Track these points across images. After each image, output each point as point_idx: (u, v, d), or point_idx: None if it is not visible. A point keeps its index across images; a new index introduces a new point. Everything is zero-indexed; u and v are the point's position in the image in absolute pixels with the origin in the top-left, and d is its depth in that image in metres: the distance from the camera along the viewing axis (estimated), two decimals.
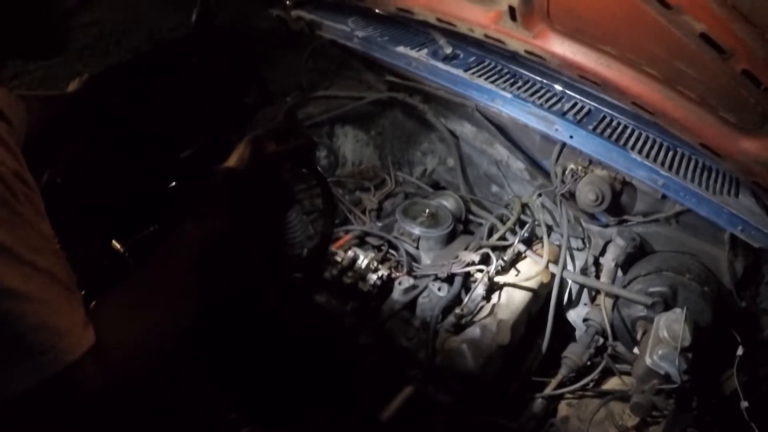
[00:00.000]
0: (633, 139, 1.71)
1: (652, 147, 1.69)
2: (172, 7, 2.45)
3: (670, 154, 1.68)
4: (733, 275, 1.70)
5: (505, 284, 1.73)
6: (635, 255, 1.76)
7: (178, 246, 0.93)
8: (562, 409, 1.65)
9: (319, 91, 2.29)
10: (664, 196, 1.68)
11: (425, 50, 1.98)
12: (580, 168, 1.77)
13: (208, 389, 1.43)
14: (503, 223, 1.90)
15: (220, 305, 1.04)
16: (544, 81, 1.89)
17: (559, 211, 1.88)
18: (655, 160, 1.63)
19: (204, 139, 1.77)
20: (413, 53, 1.96)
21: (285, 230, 1.66)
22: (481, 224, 1.96)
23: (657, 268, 1.67)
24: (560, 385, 1.65)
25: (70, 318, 0.72)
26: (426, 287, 1.67)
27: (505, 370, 1.67)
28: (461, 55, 1.99)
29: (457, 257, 1.73)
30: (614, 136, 1.69)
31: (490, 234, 1.87)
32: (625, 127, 1.76)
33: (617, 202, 1.77)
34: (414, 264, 1.78)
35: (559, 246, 1.81)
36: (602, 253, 1.82)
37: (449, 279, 1.70)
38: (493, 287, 1.70)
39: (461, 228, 1.98)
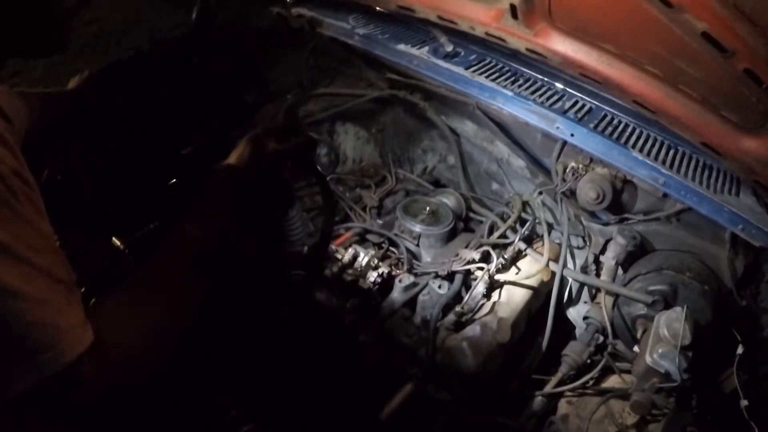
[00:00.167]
0: (634, 137, 1.70)
1: (653, 145, 1.68)
2: (172, 5, 2.45)
3: (671, 152, 1.68)
4: (734, 274, 1.70)
5: (506, 282, 1.73)
6: (636, 253, 1.76)
7: (177, 245, 0.93)
8: (562, 407, 1.66)
9: (320, 89, 2.29)
10: (664, 195, 1.67)
11: (426, 48, 1.97)
12: (581, 166, 1.77)
13: (208, 388, 1.43)
14: (504, 221, 1.90)
15: (220, 304, 1.04)
16: (545, 79, 1.89)
17: (560, 209, 1.88)
18: (656, 158, 1.63)
19: (204, 138, 1.77)
20: (414, 51, 1.96)
21: (285, 228, 1.66)
22: (481, 222, 1.96)
23: (657, 267, 1.67)
24: (560, 383, 1.66)
25: (69, 317, 0.72)
26: (426, 285, 1.68)
27: (506, 368, 1.67)
28: (462, 53, 1.98)
29: (457, 255, 1.73)
30: (615, 135, 1.69)
31: (490, 232, 1.87)
32: (626, 126, 1.75)
33: (618, 200, 1.77)
34: (414, 262, 1.78)
35: (560, 244, 1.81)
36: (603, 251, 1.82)
37: (450, 277, 1.70)
38: (493, 285, 1.70)
39: (462, 226, 1.98)
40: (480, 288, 1.65)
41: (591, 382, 1.64)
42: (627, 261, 1.76)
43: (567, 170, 1.79)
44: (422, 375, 1.54)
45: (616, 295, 1.70)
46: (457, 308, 1.60)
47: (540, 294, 1.79)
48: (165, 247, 0.92)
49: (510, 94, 1.78)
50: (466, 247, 1.78)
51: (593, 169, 1.76)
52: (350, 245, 1.75)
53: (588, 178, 1.73)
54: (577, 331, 1.82)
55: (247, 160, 1.00)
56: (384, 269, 1.68)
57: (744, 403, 1.43)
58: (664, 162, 1.63)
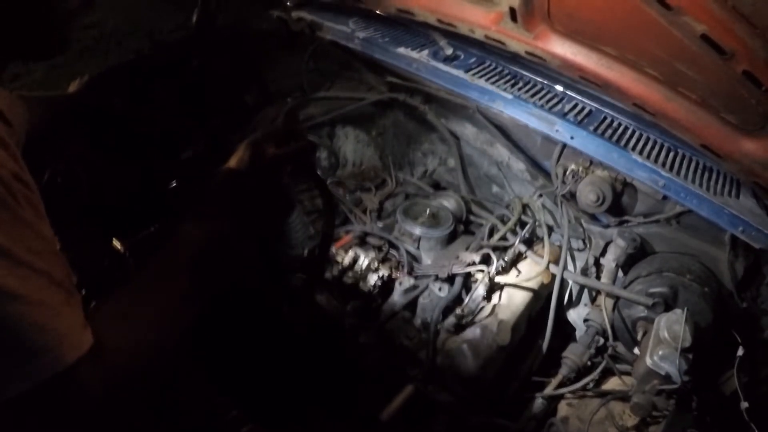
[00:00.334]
0: (634, 140, 1.71)
1: (652, 148, 1.69)
2: (172, 8, 2.45)
3: (671, 154, 1.68)
4: (734, 276, 1.70)
5: (506, 285, 1.73)
6: (636, 256, 1.76)
7: (177, 249, 0.93)
8: (562, 409, 1.65)
9: (320, 92, 2.29)
10: (664, 197, 1.68)
11: (426, 51, 1.98)
12: (580, 169, 1.77)
13: (208, 389, 1.43)
14: (504, 223, 1.90)
15: (220, 306, 1.04)
16: (545, 82, 1.89)
17: (560, 211, 1.88)
18: (655, 161, 1.63)
19: (204, 140, 1.77)
20: (414, 54, 1.96)
21: (286, 231, 1.66)
22: (481, 225, 1.96)
23: (658, 269, 1.67)
24: (560, 385, 1.65)
25: (68, 320, 0.72)
26: (427, 287, 1.68)
27: (506, 370, 1.67)
28: (462, 56, 1.99)
29: (457, 257, 1.73)
30: (615, 137, 1.69)
31: (490, 234, 1.87)
32: (626, 128, 1.75)
33: (618, 202, 1.77)
34: (415, 264, 1.78)
35: (560, 246, 1.81)
36: (603, 253, 1.82)
37: (450, 279, 1.70)
38: (493, 287, 1.70)
39: (462, 228, 1.98)
40: (480, 290, 1.65)
41: (591, 384, 1.64)
42: (627, 263, 1.76)
43: (567, 173, 1.80)
44: (422, 377, 1.54)
45: (617, 298, 1.70)
46: (458, 310, 1.60)
47: (540, 296, 1.79)
48: (164, 250, 0.92)
49: (510, 97, 1.78)
50: (467, 249, 1.78)
51: (593, 171, 1.76)
52: (350, 248, 1.76)
53: (588, 181, 1.73)
54: (578, 333, 1.82)
55: (246, 164, 1.00)
56: (384, 272, 1.68)
57: (744, 405, 1.43)
58: (663, 164, 1.63)
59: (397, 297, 1.66)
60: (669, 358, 1.39)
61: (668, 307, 1.57)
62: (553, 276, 1.75)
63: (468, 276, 1.71)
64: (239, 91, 2.14)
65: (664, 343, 1.43)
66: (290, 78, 2.30)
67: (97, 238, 1.53)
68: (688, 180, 1.60)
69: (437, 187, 2.27)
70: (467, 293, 1.67)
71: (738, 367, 1.50)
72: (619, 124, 1.76)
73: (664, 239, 1.78)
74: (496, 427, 1.57)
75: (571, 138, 1.69)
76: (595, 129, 1.70)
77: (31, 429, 0.71)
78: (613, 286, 1.71)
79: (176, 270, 0.90)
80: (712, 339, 1.57)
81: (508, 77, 1.91)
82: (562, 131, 1.70)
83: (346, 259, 1.70)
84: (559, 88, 1.87)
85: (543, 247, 1.80)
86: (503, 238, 1.83)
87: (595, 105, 1.81)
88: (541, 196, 1.96)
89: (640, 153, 1.64)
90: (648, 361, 1.41)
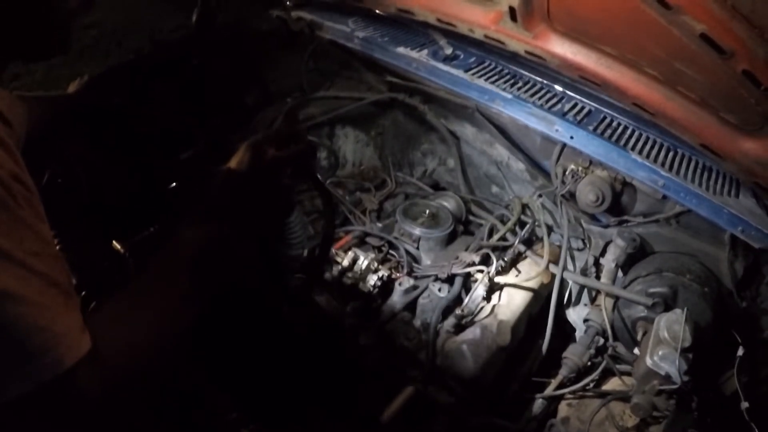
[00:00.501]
0: (633, 139, 1.71)
1: (652, 148, 1.69)
2: (172, 8, 2.45)
3: (671, 154, 1.68)
4: (734, 276, 1.70)
5: (506, 285, 1.73)
6: (635, 255, 1.76)
7: (176, 250, 0.93)
8: (563, 409, 1.65)
9: (320, 92, 2.29)
10: (664, 197, 1.68)
11: (425, 51, 1.98)
12: (580, 168, 1.77)
13: (208, 389, 1.43)
14: (503, 223, 1.90)
15: (220, 306, 1.04)
16: (545, 81, 1.89)
17: (560, 211, 1.88)
18: (655, 160, 1.63)
19: (204, 140, 1.77)
20: (413, 54, 1.96)
21: (285, 231, 1.66)
22: (481, 225, 1.96)
23: (657, 269, 1.67)
24: (560, 386, 1.65)
25: (66, 322, 0.72)
26: (426, 288, 1.68)
27: (506, 371, 1.67)
28: (461, 56, 1.99)
29: (457, 258, 1.73)
30: (614, 137, 1.69)
31: (490, 234, 1.87)
32: (626, 128, 1.76)
33: (617, 202, 1.77)
34: (414, 264, 1.78)
35: (560, 246, 1.81)
36: (602, 253, 1.82)
37: (449, 279, 1.70)
38: (493, 288, 1.70)
39: (461, 229, 1.97)
40: (480, 291, 1.65)
41: (591, 385, 1.64)
42: (627, 263, 1.76)
43: (566, 173, 1.80)
44: (422, 377, 1.54)
45: (616, 298, 1.70)
46: (457, 311, 1.60)
47: (540, 296, 1.79)
48: (163, 252, 0.92)
49: (509, 96, 1.79)
50: (466, 249, 1.78)
51: (593, 171, 1.76)
52: (350, 248, 1.75)
53: (587, 181, 1.73)
54: (578, 334, 1.82)
55: (246, 165, 1.00)
56: (384, 272, 1.68)
57: (744, 405, 1.43)
58: (663, 164, 1.63)
59: (397, 297, 1.66)
60: (669, 358, 1.39)
61: (668, 307, 1.57)
62: (553, 276, 1.75)
63: (468, 276, 1.71)
64: (239, 91, 2.14)
65: (664, 343, 1.43)
66: (290, 77, 2.30)
67: (96, 238, 1.53)
68: (687, 180, 1.60)
69: (437, 187, 2.27)
70: (467, 294, 1.67)
71: (738, 367, 1.50)
72: (619, 124, 1.77)
73: (664, 239, 1.78)
74: (497, 427, 1.57)
75: (571, 138, 1.69)
76: (595, 129, 1.70)
77: (30, 430, 0.71)
78: (612, 286, 1.71)
79: (176, 271, 0.90)
80: (712, 339, 1.57)
81: (508, 77, 1.91)
82: (561, 131, 1.70)
83: (346, 260, 1.69)
84: (558, 87, 1.88)
85: (542, 247, 1.80)
86: (503, 238, 1.83)
87: (595, 105, 1.81)
88: (540, 196, 1.96)
89: (640, 153, 1.65)
90: (648, 361, 1.41)
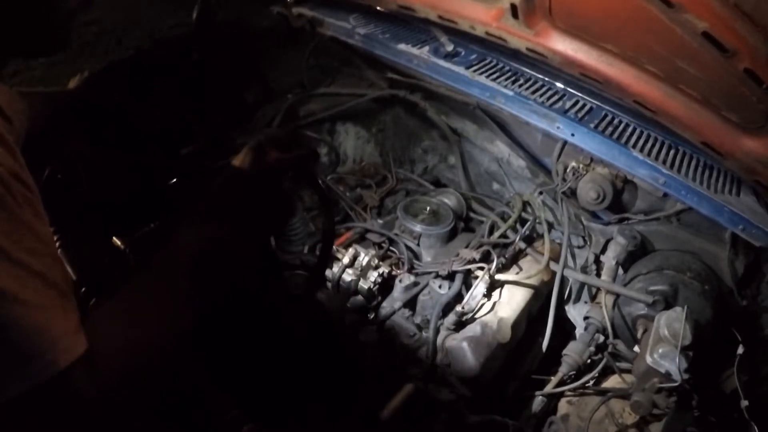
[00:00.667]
0: (634, 137, 1.70)
1: (653, 145, 1.68)
2: (172, 5, 2.45)
3: (672, 152, 1.68)
4: (734, 274, 1.70)
5: (506, 282, 1.73)
6: (636, 253, 1.76)
7: (176, 250, 0.92)
8: (563, 407, 1.66)
9: (321, 89, 2.29)
10: (665, 195, 1.67)
11: (426, 48, 1.97)
12: (581, 166, 1.77)
13: (208, 388, 1.42)
14: (504, 220, 1.90)
15: (220, 305, 1.04)
16: (546, 79, 1.89)
17: (561, 209, 1.88)
18: (656, 158, 1.63)
19: (204, 137, 1.77)
20: (414, 50, 1.96)
21: (286, 229, 1.66)
22: (482, 222, 1.96)
23: (658, 267, 1.67)
24: (561, 383, 1.65)
25: (62, 323, 0.71)
26: (427, 285, 1.68)
27: (506, 368, 1.67)
28: (462, 53, 1.98)
29: (458, 255, 1.73)
30: (616, 135, 1.69)
31: (491, 232, 1.87)
32: (627, 126, 1.75)
33: (618, 200, 1.77)
34: (415, 261, 1.78)
35: (560, 244, 1.81)
36: (603, 251, 1.82)
37: (450, 276, 1.70)
38: (494, 285, 1.70)
39: (462, 225, 1.98)
40: (480, 288, 1.65)
41: (591, 382, 1.65)
42: (627, 261, 1.76)
43: (567, 170, 1.80)
44: (423, 375, 1.54)
45: (617, 295, 1.70)
46: (458, 308, 1.60)
47: (540, 294, 1.79)
48: (162, 253, 0.92)
49: (510, 93, 1.78)
50: (467, 246, 1.77)
51: (594, 168, 1.76)
52: (351, 245, 1.75)
53: (588, 178, 1.73)
54: (578, 331, 1.82)
55: (248, 166, 1.00)
56: (384, 269, 1.68)
57: (744, 403, 1.43)
58: (664, 162, 1.63)
59: (397, 294, 1.66)
60: (669, 356, 1.39)
61: (668, 305, 1.57)
62: (554, 273, 1.75)
63: (468, 273, 1.71)
64: (239, 88, 2.14)
65: (665, 341, 1.43)
66: (291, 74, 2.29)
67: (97, 234, 1.52)
68: (688, 178, 1.60)
69: (437, 184, 2.27)
70: (467, 291, 1.67)
71: (738, 365, 1.51)
72: (620, 122, 1.76)
73: (665, 237, 1.78)
74: (497, 425, 1.57)
75: (572, 135, 1.69)
76: (596, 126, 1.70)
77: (29, 431, 0.71)
78: (613, 284, 1.71)
79: (175, 271, 0.89)
80: (712, 337, 1.57)
81: (509, 74, 1.91)
82: (562, 128, 1.70)
83: (346, 257, 1.69)
84: (560, 85, 1.87)
85: (543, 244, 1.80)
86: (503, 235, 1.83)
87: (596, 102, 1.81)
88: (541, 193, 1.96)
89: (641, 150, 1.64)
90: (648, 359, 1.41)
